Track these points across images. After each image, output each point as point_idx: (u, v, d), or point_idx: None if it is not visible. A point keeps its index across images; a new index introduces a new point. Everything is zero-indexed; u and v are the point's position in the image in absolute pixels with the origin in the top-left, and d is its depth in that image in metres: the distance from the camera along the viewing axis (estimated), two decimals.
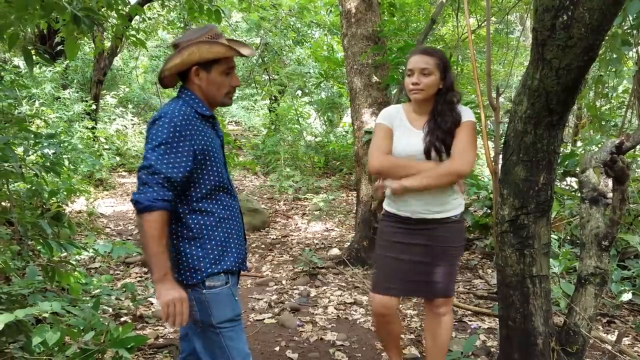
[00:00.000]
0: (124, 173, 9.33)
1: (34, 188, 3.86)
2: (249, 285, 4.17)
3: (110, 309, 3.36)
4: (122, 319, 3.28)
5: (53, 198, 4.64)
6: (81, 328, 2.34)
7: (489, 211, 4.85)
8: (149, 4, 9.04)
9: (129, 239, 5.32)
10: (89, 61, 10.10)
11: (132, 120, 10.61)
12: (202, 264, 1.62)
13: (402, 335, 3.17)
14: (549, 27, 1.90)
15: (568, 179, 4.77)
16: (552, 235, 3.30)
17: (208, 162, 1.64)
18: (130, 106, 11.92)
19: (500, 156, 2.59)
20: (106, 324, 2.42)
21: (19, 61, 8.98)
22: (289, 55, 11.16)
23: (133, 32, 4.22)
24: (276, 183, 8.31)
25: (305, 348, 3.01)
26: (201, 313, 1.63)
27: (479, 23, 7.05)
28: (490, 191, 4.64)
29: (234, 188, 1.79)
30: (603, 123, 4.62)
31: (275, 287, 4.12)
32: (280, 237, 5.87)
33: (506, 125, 2.39)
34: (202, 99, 1.68)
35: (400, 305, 3.69)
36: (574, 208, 4.38)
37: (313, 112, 11.59)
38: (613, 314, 3.53)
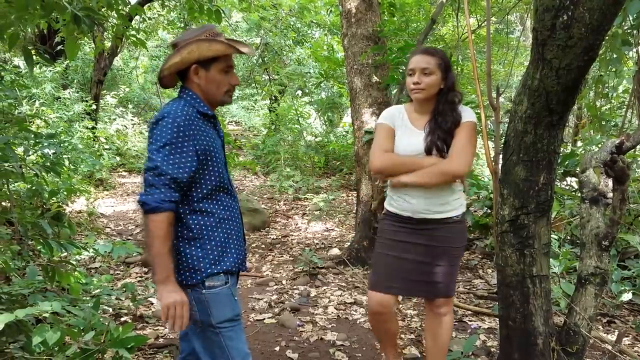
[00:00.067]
0: (124, 173, 9.34)
1: (34, 188, 3.86)
2: (249, 285, 4.17)
3: (111, 309, 3.36)
4: (122, 319, 3.28)
5: (53, 198, 4.64)
6: (81, 328, 2.34)
7: (489, 211, 4.85)
8: (149, 4, 9.04)
9: (129, 239, 5.32)
10: (89, 61, 10.10)
11: (132, 120, 10.61)
12: (202, 264, 1.62)
13: (402, 335, 3.17)
14: (549, 27, 1.90)
15: (568, 178, 4.77)
16: (552, 235, 3.30)
17: (209, 162, 1.64)
18: (130, 106, 11.92)
19: (501, 156, 2.59)
20: (106, 324, 2.42)
21: (19, 61, 8.98)
22: (289, 55, 11.16)
23: (133, 32, 4.22)
24: (276, 183, 8.31)
25: (305, 348, 3.01)
26: (201, 313, 1.63)
27: (479, 23, 7.05)
28: (490, 191, 4.64)
29: (234, 188, 1.79)
30: (603, 123, 4.62)
31: (275, 287, 4.12)
32: (280, 237, 5.87)
33: (506, 125, 2.39)
34: (203, 99, 1.69)
35: (400, 305, 3.69)
36: (574, 208, 4.38)
37: (313, 112, 11.59)
38: (613, 314, 3.53)
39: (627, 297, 3.56)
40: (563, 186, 4.98)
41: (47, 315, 2.37)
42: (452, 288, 2.29)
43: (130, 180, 8.89)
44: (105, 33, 8.00)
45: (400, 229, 2.23)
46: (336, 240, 5.72)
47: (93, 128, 8.53)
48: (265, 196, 8.05)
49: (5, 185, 2.83)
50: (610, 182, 2.35)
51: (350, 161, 9.09)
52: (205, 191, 1.64)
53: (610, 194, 2.35)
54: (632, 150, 2.51)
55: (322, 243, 5.60)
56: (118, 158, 9.08)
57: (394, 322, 2.38)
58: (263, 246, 5.42)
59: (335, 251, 5.10)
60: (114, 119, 10.14)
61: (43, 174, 3.18)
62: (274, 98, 11.67)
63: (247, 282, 4.25)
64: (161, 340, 3.05)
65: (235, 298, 1.71)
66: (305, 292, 3.97)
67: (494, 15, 7.25)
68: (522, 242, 2.26)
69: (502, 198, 2.31)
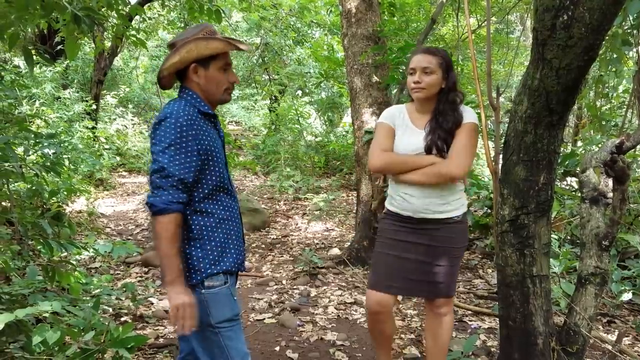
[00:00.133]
0: (124, 173, 9.34)
1: (34, 188, 3.86)
2: (249, 285, 4.17)
3: (111, 309, 3.36)
4: (122, 319, 3.28)
5: (53, 198, 4.64)
6: (81, 328, 2.34)
7: (489, 211, 4.85)
8: (149, 4, 9.04)
9: (129, 239, 5.32)
10: (89, 61, 10.11)
11: (132, 120, 10.61)
12: (201, 265, 1.62)
13: (402, 335, 3.17)
14: (549, 27, 1.90)
15: (568, 178, 4.77)
16: (552, 235, 3.29)
17: (210, 162, 1.64)
18: (130, 106, 11.92)
19: (501, 156, 2.59)
20: (106, 323, 2.42)
21: (19, 61, 8.97)
22: (289, 55, 11.16)
23: (133, 32, 4.22)
24: (276, 183, 8.31)
25: (305, 348, 3.01)
26: (200, 313, 1.63)
27: (479, 23, 7.05)
28: (490, 191, 4.64)
29: (234, 188, 1.79)
30: (603, 123, 4.62)
31: (275, 287, 4.12)
32: (280, 237, 5.87)
33: (506, 125, 2.39)
34: (203, 98, 1.69)
35: (400, 305, 3.69)
36: (574, 208, 4.38)
37: (313, 112, 11.58)
38: (613, 314, 3.53)
39: (627, 297, 3.56)
40: (563, 186, 4.98)
41: (47, 315, 2.37)
42: (452, 288, 2.29)
43: (130, 180, 8.89)
44: (105, 33, 8.00)
45: (400, 228, 2.23)
46: (336, 240, 5.72)
47: (93, 128, 8.53)
48: (265, 196, 8.05)
49: (5, 185, 2.83)
50: (610, 182, 2.35)
51: (350, 161, 9.09)
52: (206, 191, 1.64)
53: (610, 194, 2.34)
54: (632, 150, 2.51)
55: (322, 243, 5.60)
56: (118, 158, 9.08)
57: (391, 323, 2.37)
58: (263, 246, 5.42)
59: (335, 251, 5.10)
60: (114, 119, 10.14)
61: (43, 174, 3.18)
62: (274, 98, 11.66)
63: (247, 282, 4.25)
64: (161, 340, 3.05)
65: (235, 298, 1.71)
66: (305, 292, 3.97)
67: (494, 15, 7.25)
68: (522, 242, 2.26)
69: (502, 198, 2.31)
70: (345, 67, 5.04)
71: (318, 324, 3.35)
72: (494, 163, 3.12)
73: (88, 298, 3.09)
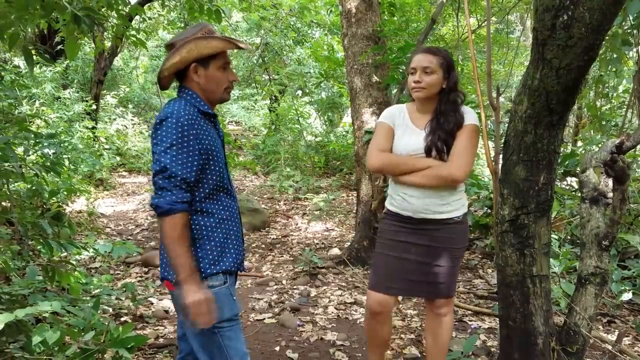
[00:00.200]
0: (124, 173, 9.34)
1: (34, 188, 3.86)
2: (249, 285, 4.17)
3: (110, 309, 3.36)
4: (122, 319, 3.28)
5: (53, 198, 4.64)
6: (81, 328, 2.34)
7: (489, 211, 4.85)
8: (149, 4, 9.04)
9: (129, 239, 5.32)
10: (89, 61, 10.10)
11: (132, 120, 10.61)
12: (201, 265, 1.62)
13: (402, 335, 3.17)
14: (549, 27, 1.90)
15: (568, 178, 4.77)
16: (552, 235, 3.29)
17: (211, 162, 1.64)
18: (130, 106, 11.92)
19: (501, 156, 2.59)
20: (106, 323, 2.42)
21: (19, 61, 8.97)
22: (289, 55, 11.16)
23: (133, 32, 4.22)
24: (276, 183, 8.31)
25: (305, 348, 3.01)
26: None
27: (479, 23, 7.05)
28: (490, 191, 4.63)
29: (233, 188, 1.79)
30: (603, 123, 4.62)
31: (275, 287, 4.12)
32: (280, 237, 5.87)
33: (506, 125, 2.38)
34: (203, 97, 1.69)
35: (400, 305, 3.69)
36: (574, 208, 4.38)
37: (313, 112, 11.58)
38: (613, 314, 3.53)
39: (627, 297, 3.56)
40: (563, 186, 4.98)
41: (47, 315, 2.37)
42: (452, 288, 2.29)
43: (130, 180, 8.89)
44: (105, 33, 7.99)
45: (400, 228, 2.22)
46: (336, 240, 5.72)
47: (93, 128, 8.53)
48: (265, 196, 8.05)
49: (5, 185, 2.83)
50: (610, 182, 2.35)
51: (350, 161, 9.09)
52: (206, 191, 1.64)
53: (610, 194, 2.34)
54: (632, 150, 2.51)
55: (322, 243, 5.60)
56: (118, 158, 9.08)
57: (388, 324, 2.37)
58: (263, 246, 5.42)
59: (335, 251, 5.10)
60: (114, 119, 10.14)
61: (43, 174, 3.18)
62: (274, 98, 11.66)
63: (247, 282, 4.25)
64: (161, 340, 3.05)
65: (234, 298, 1.71)
66: (305, 292, 3.97)
67: (494, 15, 7.26)
68: (522, 242, 2.26)
69: (502, 198, 2.31)
70: (345, 67, 5.04)
71: (318, 324, 3.35)
72: (494, 163, 3.12)
73: (88, 298, 3.09)
